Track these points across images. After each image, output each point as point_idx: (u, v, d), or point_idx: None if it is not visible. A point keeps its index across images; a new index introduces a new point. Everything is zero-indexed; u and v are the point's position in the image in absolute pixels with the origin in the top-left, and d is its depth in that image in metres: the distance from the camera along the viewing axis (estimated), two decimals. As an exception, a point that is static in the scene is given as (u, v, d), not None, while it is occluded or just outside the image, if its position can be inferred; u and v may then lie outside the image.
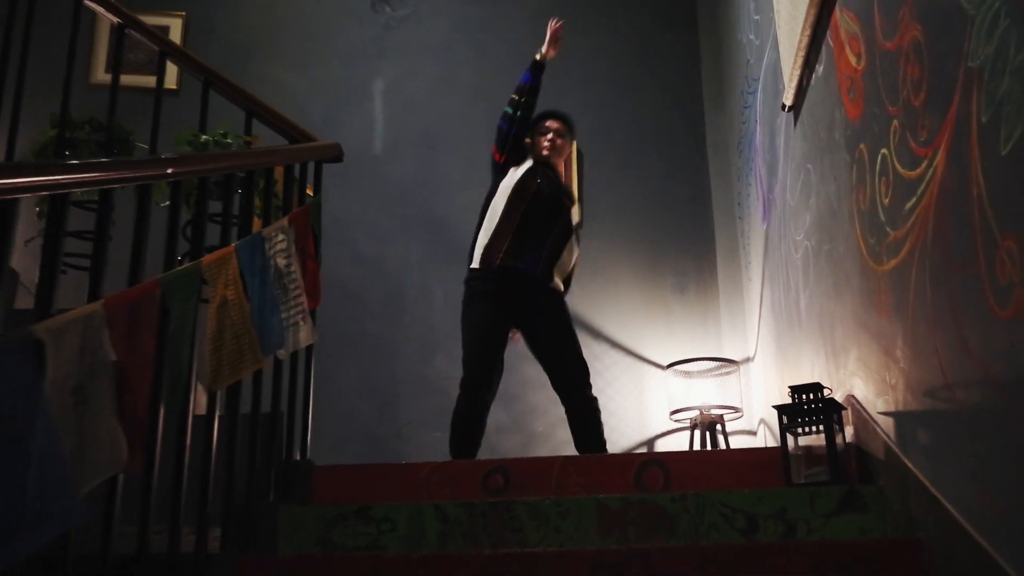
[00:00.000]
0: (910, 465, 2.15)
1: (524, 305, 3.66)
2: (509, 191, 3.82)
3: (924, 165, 1.96)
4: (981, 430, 1.76)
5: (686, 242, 5.14)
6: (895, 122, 2.14)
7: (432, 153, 5.28)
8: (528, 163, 3.94)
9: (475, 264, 3.71)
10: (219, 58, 4.74)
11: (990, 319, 1.64)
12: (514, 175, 3.88)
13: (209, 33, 5.23)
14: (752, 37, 4.15)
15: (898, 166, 2.13)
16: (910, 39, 2.01)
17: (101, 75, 4.94)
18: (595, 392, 3.62)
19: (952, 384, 1.86)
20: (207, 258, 2.21)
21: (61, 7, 3.43)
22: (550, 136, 4.01)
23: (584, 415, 3.55)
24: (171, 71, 4.88)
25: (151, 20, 4.79)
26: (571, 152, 4.88)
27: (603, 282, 5.00)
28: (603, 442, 3.54)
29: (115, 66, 2.95)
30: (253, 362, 2.37)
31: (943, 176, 1.85)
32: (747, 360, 4.71)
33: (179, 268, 2.06)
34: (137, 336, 1.82)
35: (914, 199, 2.03)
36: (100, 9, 3.34)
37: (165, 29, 5.02)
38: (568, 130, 4.10)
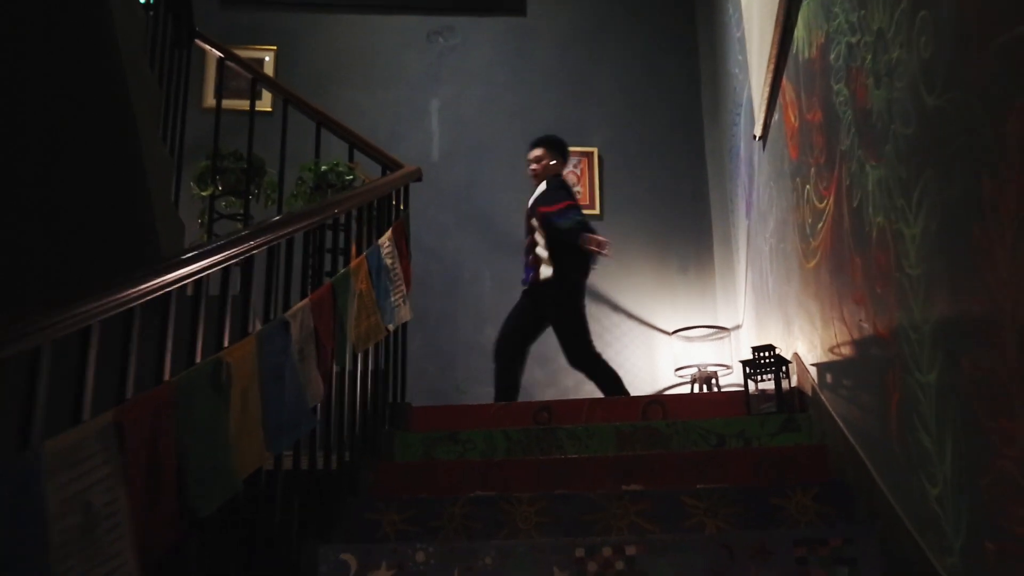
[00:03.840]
0: (823, 398, 3.20)
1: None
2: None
3: (824, 203, 3.00)
4: (850, 372, 2.81)
5: (688, 231, 6.02)
6: (812, 169, 3.17)
7: (480, 161, 6.13)
8: None
9: None
10: (305, 84, 5.75)
11: (852, 304, 2.69)
12: None
13: (296, 63, 6.08)
14: (736, 71, 5.14)
15: (813, 199, 3.17)
16: (818, 119, 3.04)
17: (209, 100, 5.92)
18: (614, 354, 4.70)
19: (839, 344, 2.91)
20: (352, 263, 3.27)
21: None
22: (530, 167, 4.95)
23: (591, 376, 4.65)
24: (267, 94, 5.92)
25: (249, 53, 5.83)
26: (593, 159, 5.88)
27: (620, 265, 5.85)
28: (610, 390, 4.59)
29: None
30: (378, 333, 3.44)
31: (833, 212, 2.89)
32: (737, 327, 5.58)
33: (341, 272, 3.12)
34: (324, 315, 2.89)
35: (821, 223, 3.07)
36: (237, 68, 4.40)
37: (260, 60, 5.98)
38: (546, 150, 4.98)
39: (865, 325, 2.54)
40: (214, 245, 2.22)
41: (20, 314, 1.46)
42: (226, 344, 2.27)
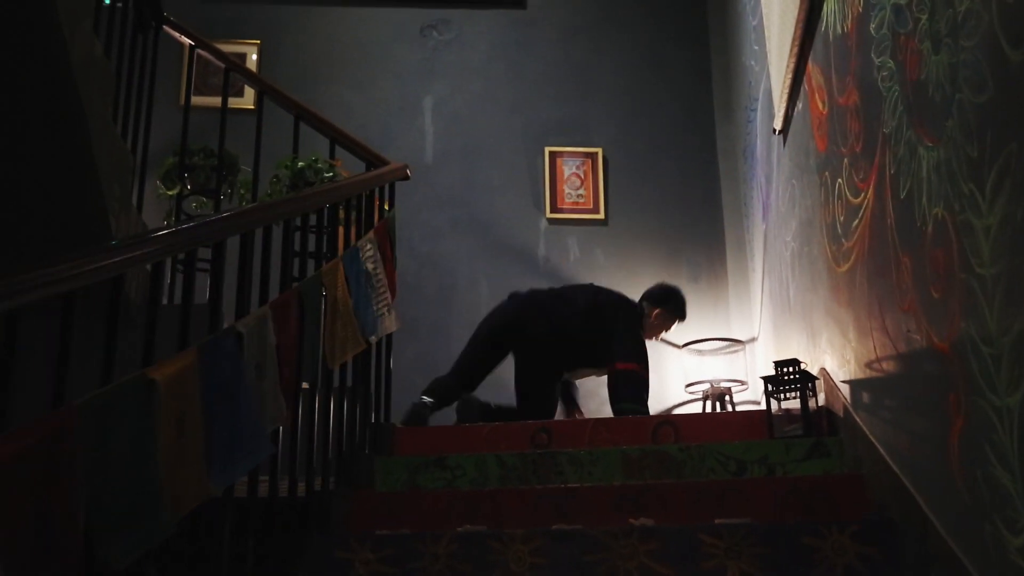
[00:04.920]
0: (858, 419, 2.82)
1: None
2: None
3: (862, 196, 2.62)
4: (895, 392, 2.43)
5: (699, 237, 5.64)
6: (845, 160, 2.80)
7: (475, 161, 5.77)
8: None
9: None
10: (289, 80, 5.38)
11: (897, 311, 2.32)
12: None
13: (280, 58, 5.74)
14: (752, 63, 4.77)
15: (847, 193, 2.80)
16: (853, 101, 2.67)
17: (196, 100, 5.52)
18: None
19: (880, 358, 2.53)
20: (325, 267, 2.90)
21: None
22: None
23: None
24: (248, 92, 5.57)
25: (231, 47, 5.46)
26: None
27: (626, 272, 5.50)
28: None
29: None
30: (356, 345, 3.06)
31: (872, 206, 2.52)
32: (752, 340, 5.24)
33: (310, 276, 2.76)
34: (287, 327, 2.52)
35: (857, 220, 2.70)
36: (209, 56, 4.04)
37: (242, 55, 5.62)
38: None
39: (916, 336, 2.16)
40: (139, 238, 1.85)
41: None
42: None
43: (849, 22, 2.66)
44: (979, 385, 1.76)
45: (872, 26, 2.40)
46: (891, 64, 2.25)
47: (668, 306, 4.60)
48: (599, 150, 5.77)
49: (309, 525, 2.63)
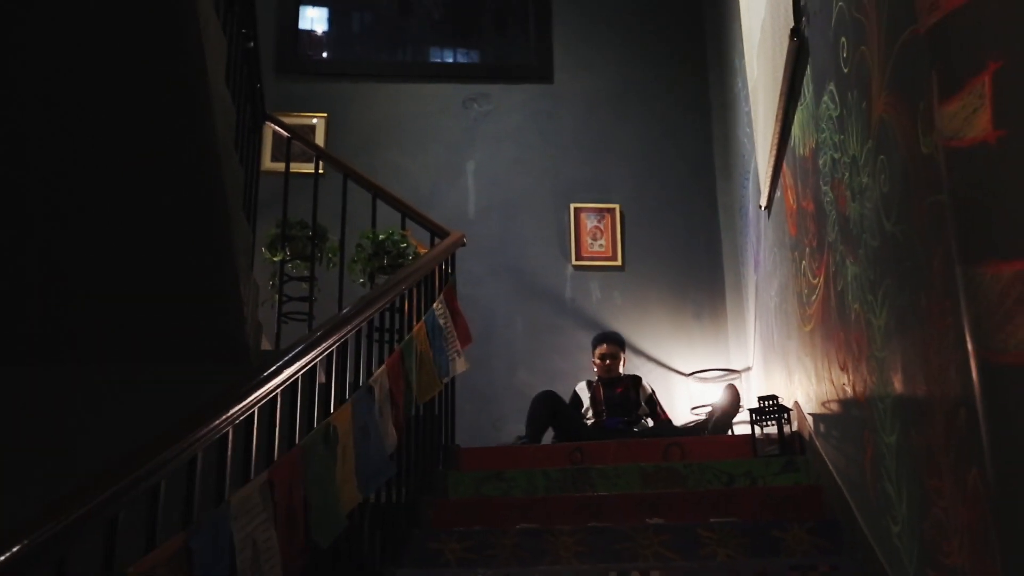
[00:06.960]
0: (817, 444, 3.73)
1: None
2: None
3: (817, 280, 3.53)
4: (838, 425, 3.34)
5: (702, 281, 6.50)
6: (807, 249, 3.71)
7: (512, 216, 6.62)
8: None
9: None
10: (352, 147, 6.34)
11: (838, 368, 3.23)
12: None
13: (344, 128, 6.62)
14: (745, 140, 5.68)
15: (808, 275, 3.71)
16: (811, 208, 3.58)
17: (268, 164, 6.43)
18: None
19: (829, 400, 3.44)
20: (415, 328, 3.82)
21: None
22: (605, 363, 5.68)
23: None
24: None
25: (301, 120, 6.43)
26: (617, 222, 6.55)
27: (640, 312, 6.41)
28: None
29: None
30: (436, 386, 3.99)
31: (823, 289, 3.43)
32: (747, 369, 6.06)
33: (407, 338, 3.68)
34: (396, 376, 3.44)
35: (815, 295, 3.61)
36: (304, 145, 4.97)
37: (311, 126, 6.57)
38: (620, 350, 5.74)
39: (848, 388, 3.07)
40: (322, 331, 2.78)
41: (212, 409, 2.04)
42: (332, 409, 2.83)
43: (807, 150, 3.57)
44: (877, 428, 2.67)
45: (820, 161, 3.31)
46: (831, 195, 3.16)
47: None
48: (617, 206, 6.65)
49: (408, 524, 3.55)
